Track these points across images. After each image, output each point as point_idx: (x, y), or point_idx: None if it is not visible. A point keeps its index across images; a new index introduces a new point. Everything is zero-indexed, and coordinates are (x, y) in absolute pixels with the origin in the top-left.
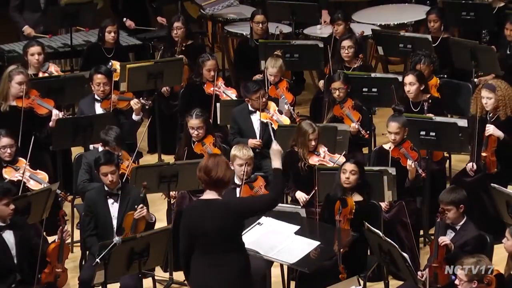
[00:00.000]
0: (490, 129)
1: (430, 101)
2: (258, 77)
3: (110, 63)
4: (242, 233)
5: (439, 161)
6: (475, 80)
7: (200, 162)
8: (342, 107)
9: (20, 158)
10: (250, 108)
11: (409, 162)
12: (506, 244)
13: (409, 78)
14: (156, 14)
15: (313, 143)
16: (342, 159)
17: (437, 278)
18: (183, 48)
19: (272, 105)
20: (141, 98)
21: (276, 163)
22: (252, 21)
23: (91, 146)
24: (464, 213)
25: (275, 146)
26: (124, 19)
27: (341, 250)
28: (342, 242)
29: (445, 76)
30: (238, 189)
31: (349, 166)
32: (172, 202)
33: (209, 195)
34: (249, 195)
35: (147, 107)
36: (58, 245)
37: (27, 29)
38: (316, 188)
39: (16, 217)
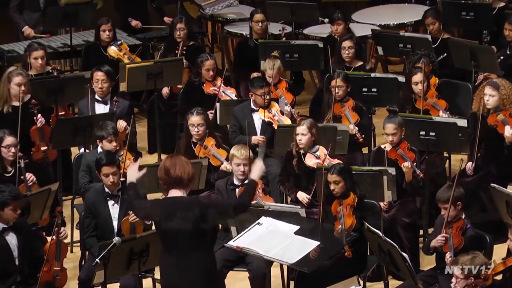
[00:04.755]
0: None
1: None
2: (255, 75)
3: (120, 41)
4: (208, 232)
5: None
6: (480, 76)
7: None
8: (342, 105)
9: None
10: (252, 106)
11: (405, 163)
12: (511, 244)
13: (420, 77)
14: (163, 14)
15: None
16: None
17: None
18: (184, 52)
19: (275, 105)
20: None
21: (254, 175)
22: (251, 21)
23: (81, 150)
24: (463, 210)
25: (258, 161)
26: (130, 19)
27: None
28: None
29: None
30: (237, 190)
31: (331, 177)
32: None
33: (174, 193)
34: None
35: None
36: (55, 242)
37: (27, 30)
38: (315, 188)
39: (19, 219)
